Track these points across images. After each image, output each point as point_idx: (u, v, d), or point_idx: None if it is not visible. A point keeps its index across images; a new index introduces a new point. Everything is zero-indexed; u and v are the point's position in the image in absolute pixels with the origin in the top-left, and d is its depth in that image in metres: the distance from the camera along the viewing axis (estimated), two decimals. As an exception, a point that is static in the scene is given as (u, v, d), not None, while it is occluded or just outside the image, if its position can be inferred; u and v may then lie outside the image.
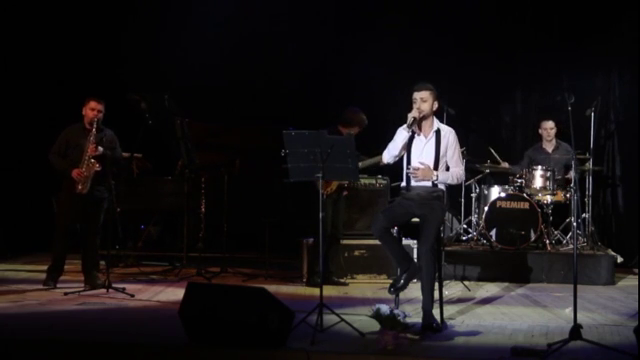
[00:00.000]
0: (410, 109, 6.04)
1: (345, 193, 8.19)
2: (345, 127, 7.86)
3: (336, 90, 10.14)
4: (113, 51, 10.80)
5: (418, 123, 6.07)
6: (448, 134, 6.12)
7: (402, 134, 6.05)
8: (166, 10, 10.72)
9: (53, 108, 7.85)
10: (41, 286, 7.67)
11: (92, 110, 7.65)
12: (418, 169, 5.99)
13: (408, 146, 6.08)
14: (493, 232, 8.88)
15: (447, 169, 6.14)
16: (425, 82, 6.09)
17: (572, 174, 9.00)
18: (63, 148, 7.70)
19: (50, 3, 10.68)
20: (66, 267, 8.58)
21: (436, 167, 6.05)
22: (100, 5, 10.75)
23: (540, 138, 9.42)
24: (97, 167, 7.56)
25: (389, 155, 6.14)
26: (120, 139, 8.30)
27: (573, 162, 6.15)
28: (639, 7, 9.41)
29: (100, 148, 7.53)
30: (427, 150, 6.08)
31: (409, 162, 6.09)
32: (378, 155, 7.86)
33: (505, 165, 9.40)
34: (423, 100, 6.02)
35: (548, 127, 9.29)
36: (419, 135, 6.11)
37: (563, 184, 9.11)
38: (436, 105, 6.10)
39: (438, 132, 6.10)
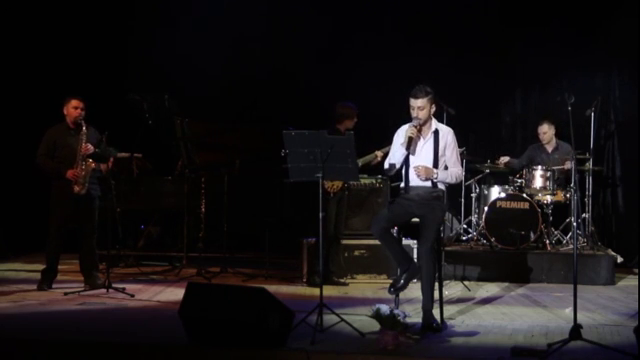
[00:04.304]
0: (408, 112, 6.03)
1: (346, 193, 8.20)
2: (339, 124, 7.87)
3: (336, 90, 10.13)
4: (113, 52, 10.80)
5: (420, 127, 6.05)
6: (446, 134, 6.11)
7: (400, 150, 6.06)
8: (166, 10, 10.72)
9: (54, 108, 7.85)
10: (41, 286, 7.68)
11: (75, 109, 7.62)
12: (421, 168, 5.98)
13: (407, 147, 6.07)
14: (492, 232, 8.88)
15: (446, 169, 6.14)
16: (421, 87, 6.00)
17: (569, 164, 8.94)
18: (51, 149, 7.63)
19: (49, 3, 10.69)
20: (66, 267, 8.61)
21: (435, 167, 6.04)
22: (100, 5, 10.75)
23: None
24: (94, 166, 7.54)
25: (390, 168, 6.16)
26: (120, 139, 8.30)
27: (573, 162, 6.14)
28: (639, 7, 9.40)
29: (91, 147, 7.51)
30: (426, 150, 6.07)
31: (408, 163, 6.09)
32: (371, 153, 7.91)
33: (505, 159, 9.38)
34: (420, 108, 5.98)
35: (541, 132, 9.29)
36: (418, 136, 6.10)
37: (563, 183, 9.11)
38: (434, 108, 6.06)
39: (436, 132, 6.09)
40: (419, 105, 5.98)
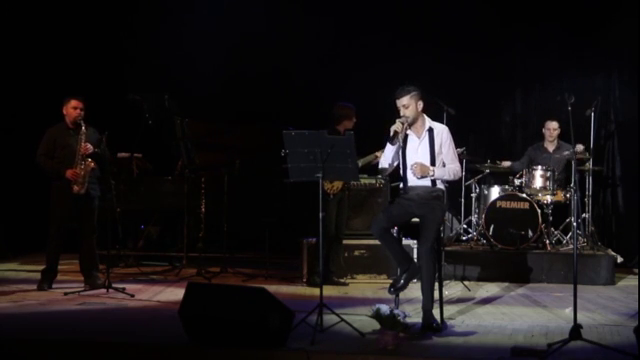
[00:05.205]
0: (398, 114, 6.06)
1: (347, 193, 8.20)
2: (337, 124, 7.87)
3: (336, 90, 10.12)
4: (113, 51, 10.80)
5: (410, 124, 6.05)
6: (441, 132, 6.11)
7: (388, 147, 6.07)
8: (166, 10, 10.72)
9: (54, 108, 7.86)
10: (41, 286, 7.68)
11: (75, 109, 7.63)
12: (417, 165, 5.99)
13: (403, 147, 6.08)
14: (492, 232, 8.88)
15: (444, 166, 6.13)
16: (403, 86, 6.04)
17: (580, 147, 8.91)
18: (51, 149, 7.65)
19: (49, 3, 10.70)
20: (66, 267, 8.61)
21: (432, 165, 6.03)
22: (100, 5, 10.75)
23: (543, 137, 9.44)
24: (93, 165, 7.55)
25: (384, 167, 6.19)
26: (120, 139, 8.30)
27: (573, 162, 6.14)
28: (639, 8, 9.40)
29: (90, 146, 7.52)
30: (422, 150, 6.07)
31: (405, 163, 6.09)
32: (371, 154, 7.91)
33: (506, 164, 9.41)
34: (405, 107, 6.00)
35: (552, 127, 9.31)
36: (412, 135, 6.10)
37: (564, 183, 9.11)
38: (421, 105, 6.05)
39: (431, 131, 6.08)
40: (404, 104, 6.00)
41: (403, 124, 5.97)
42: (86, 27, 10.78)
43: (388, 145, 6.06)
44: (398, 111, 6.04)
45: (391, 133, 5.96)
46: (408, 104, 5.99)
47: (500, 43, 10.21)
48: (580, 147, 8.94)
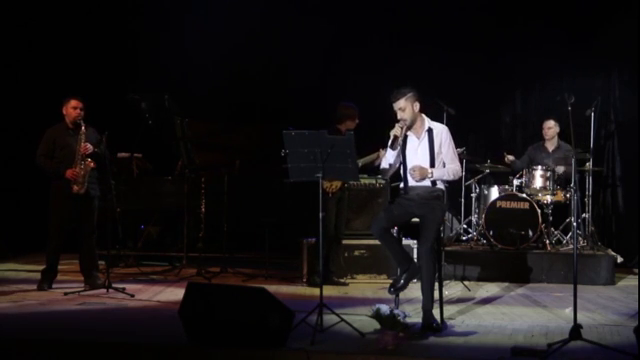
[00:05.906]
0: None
1: (346, 193, 8.19)
2: (340, 124, 7.88)
3: (338, 90, 10.13)
4: (113, 51, 10.80)
5: (409, 127, 6.05)
6: (441, 132, 6.10)
7: (389, 152, 6.09)
8: (166, 10, 10.72)
9: (54, 108, 7.87)
10: (41, 286, 7.68)
11: (75, 109, 7.63)
12: (415, 169, 5.99)
13: (402, 148, 6.08)
14: (492, 232, 8.88)
15: (444, 166, 6.13)
16: (399, 89, 6.03)
17: (561, 169, 8.98)
18: (51, 149, 7.65)
19: (49, 4, 10.70)
20: (66, 267, 8.62)
21: (432, 166, 6.04)
22: (101, 5, 10.75)
23: (543, 137, 9.45)
24: (93, 165, 7.56)
25: (385, 168, 6.21)
26: (120, 139, 8.29)
27: (573, 161, 6.13)
28: (639, 8, 9.40)
29: (90, 146, 7.52)
30: (421, 150, 6.07)
31: (405, 164, 6.09)
32: (373, 153, 7.91)
33: (511, 157, 9.40)
34: (402, 109, 6.00)
35: (546, 127, 9.34)
36: (412, 136, 6.10)
37: (564, 183, 9.11)
38: (417, 106, 6.04)
39: (430, 131, 6.08)
40: (400, 107, 6.00)
41: (402, 128, 5.97)
42: (86, 27, 10.78)
43: (388, 151, 6.08)
44: (396, 114, 6.04)
45: (391, 138, 5.96)
46: (404, 107, 5.99)
47: (500, 43, 10.20)
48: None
